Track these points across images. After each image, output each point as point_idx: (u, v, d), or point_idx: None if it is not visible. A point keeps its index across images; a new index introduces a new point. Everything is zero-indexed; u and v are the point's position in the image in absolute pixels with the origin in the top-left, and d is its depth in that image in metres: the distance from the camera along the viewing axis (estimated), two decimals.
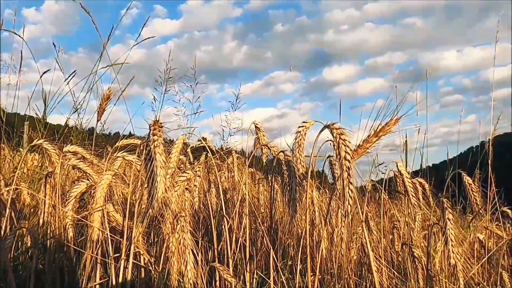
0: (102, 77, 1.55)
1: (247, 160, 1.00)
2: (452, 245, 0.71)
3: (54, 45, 1.69)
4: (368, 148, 0.64)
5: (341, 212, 0.71)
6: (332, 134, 0.61)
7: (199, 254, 0.97)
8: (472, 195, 0.95)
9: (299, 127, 0.83)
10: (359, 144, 0.66)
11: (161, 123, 0.62)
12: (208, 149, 0.93)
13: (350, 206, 0.57)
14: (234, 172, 1.32)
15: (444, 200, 0.74)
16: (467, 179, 0.96)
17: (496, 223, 1.48)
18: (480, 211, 0.99)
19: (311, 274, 0.70)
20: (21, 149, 1.83)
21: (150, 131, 0.62)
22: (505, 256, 1.35)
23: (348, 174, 0.58)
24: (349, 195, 0.57)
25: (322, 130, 0.65)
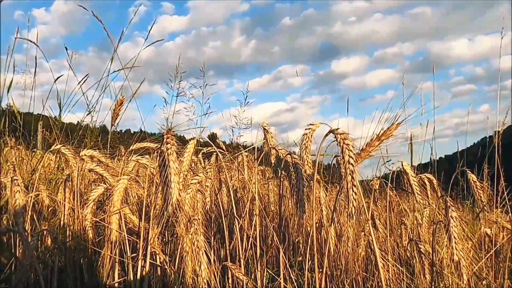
0: (112, 75, 1.60)
1: (256, 159, 1.03)
2: (455, 242, 0.74)
3: (66, 49, 1.74)
4: (370, 152, 0.67)
5: (346, 212, 0.74)
6: (336, 139, 0.64)
7: (212, 252, 1.01)
8: (477, 193, 0.97)
9: (306, 129, 0.86)
10: (362, 148, 0.69)
11: (173, 132, 0.65)
12: (217, 151, 0.96)
13: (354, 207, 0.60)
14: (244, 170, 1.35)
15: (447, 198, 0.76)
16: (471, 176, 0.98)
17: (505, 217, 1.49)
18: (485, 207, 1.00)
19: (319, 271, 0.73)
20: (35, 150, 1.89)
21: (163, 139, 0.65)
22: None
23: (352, 177, 0.61)
24: (353, 197, 0.60)
25: (327, 135, 0.67)
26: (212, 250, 1.03)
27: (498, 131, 1.69)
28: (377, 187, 1.24)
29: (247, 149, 1.49)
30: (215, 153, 1.49)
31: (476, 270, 1.06)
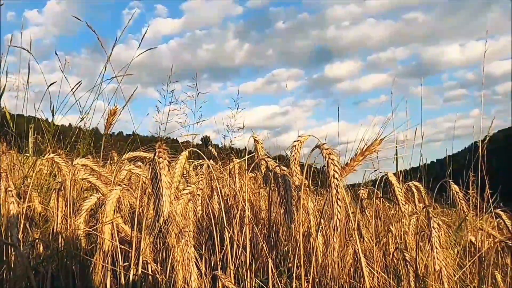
0: (106, 77, 1.61)
1: (247, 168, 1.06)
2: (436, 252, 0.77)
3: (56, 54, 1.74)
4: (355, 167, 0.70)
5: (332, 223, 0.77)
6: (322, 154, 0.67)
7: (203, 261, 1.03)
8: (459, 203, 1.00)
9: (295, 141, 0.89)
10: (347, 163, 0.72)
11: (165, 146, 0.68)
12: (208, 163, 0.98)
13: (339, 220, 0.63)
14: (235, 179, 1.37)
15: (429, 209, 0.79)
16: (454, 187, 1.01)
17: (490, 224, 1.53)
18: (467, 218, 1.04)
19: (305, 279, 0.76)
20: (27, 154, 1.88)
21: (155, 153, 0.67)
22: (499, 256, 1.40)
23: (337, 191, 0.64)
24: (338, 210, 0.63)
25: (313, 150, 0.70)
26: (203, 258, 1.05)
27: (483, 140, 1.73)
28: (365, 196, 1.27)
29: (241, 156, 1.51)
30: (206, 163, 1.51)
31: (460, 277, 1.10)
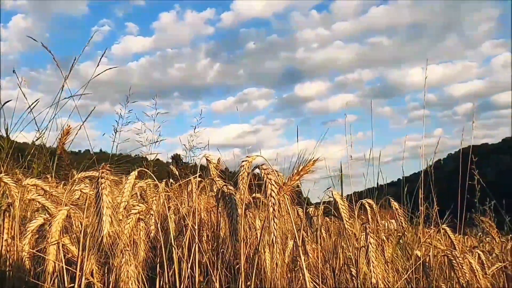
0: (69, 94, 1.60)
1: (197, 188, 1.08)
2: (373, 266, 0.81)
3: (14, 72, 1.72)
4: (292, 185, 0.74)
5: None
6: (261, 173, 0.70)
7: (157, 280, 1.03)
8: (399, 219, 1.06)
9: (243, 161, 0.93)
10: (284, 182, 0.76)
11: (110, 167, 0.69)
12: (156, 179, 1.00)
13: (275, 237, 0.66)
14: (192, 198, 1.39)
15: (367, 226, 0.84)
16: (394, 204, 1.07)
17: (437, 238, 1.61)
18: (405, 232, 1.10)
19: None
20: None
21: (99, 174, 0.69)
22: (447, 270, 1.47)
23: (273, 209, 0.67)
24: (274, 228, 0.67)
25: (253, 169, 0.74)
26: (158, 277, 1.05)
27: (430, 166, 1.84)
28: (317, 214, 1.32)
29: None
30: (165, 180, 1.52)
31: None
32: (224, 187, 0.90)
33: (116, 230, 0.72)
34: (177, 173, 1.84)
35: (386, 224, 1.66)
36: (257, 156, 0.92)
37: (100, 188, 0.66)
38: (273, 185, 0.68)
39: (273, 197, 0.68)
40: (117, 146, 1.83)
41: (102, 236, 0.65)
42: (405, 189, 1.99)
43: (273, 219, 0.67)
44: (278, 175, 0.86)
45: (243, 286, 0.79)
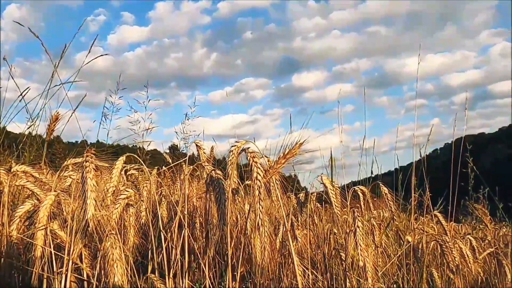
0: (65, 84, 1.59)
1: (188, 173, 1.08)
2: (360, 249, 0.82)
3: (5, 59, 1.70)
4: (278, 169, 0.74)
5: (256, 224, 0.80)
6: (247, 157, 0.70)
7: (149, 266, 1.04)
8: (388, 204, 1.07)
9: (232, 146, 0.93)
10: (270, 166, 0.76)
11: (94, 150, 0.69)
12: (144, 165, 1.00)
13: (261, 220, 0.66)
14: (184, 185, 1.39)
15: (355, 209, 0.85)
16: (384, 189, 1.08)
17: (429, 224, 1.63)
18: (394, 217, 1.11)
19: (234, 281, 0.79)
20: None
21: (84, 157, 0.68)
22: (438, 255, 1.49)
23: (259, 192, 0.67)
24: (260, 210, 0.67)
25: (240, 152, 0.74)
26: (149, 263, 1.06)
27: (426, 153, 1.85)
28: (309, 200, 1.32)
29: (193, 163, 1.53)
30: (157, 167, 1.52)
31: (391, 273, 1.16)
32: (213, 171, 0.89)
33: (103, 214, 0.72)
34: (170, 160, 1.84)
35: (381, 212, 1.67)
36: (247, 141, 0.92)
37: (84, 172, 0.65)
38: (259, 168, 0.68)
39: (259, 180, 0.67)
40: (107, 134, 1.82)
41: (87, 220, 0.64)
42: (400, 177, 2.00)
43: (259, 202, 0.67)
44: (268, 160, 0.86)
45: (230, 270, 0.80)
